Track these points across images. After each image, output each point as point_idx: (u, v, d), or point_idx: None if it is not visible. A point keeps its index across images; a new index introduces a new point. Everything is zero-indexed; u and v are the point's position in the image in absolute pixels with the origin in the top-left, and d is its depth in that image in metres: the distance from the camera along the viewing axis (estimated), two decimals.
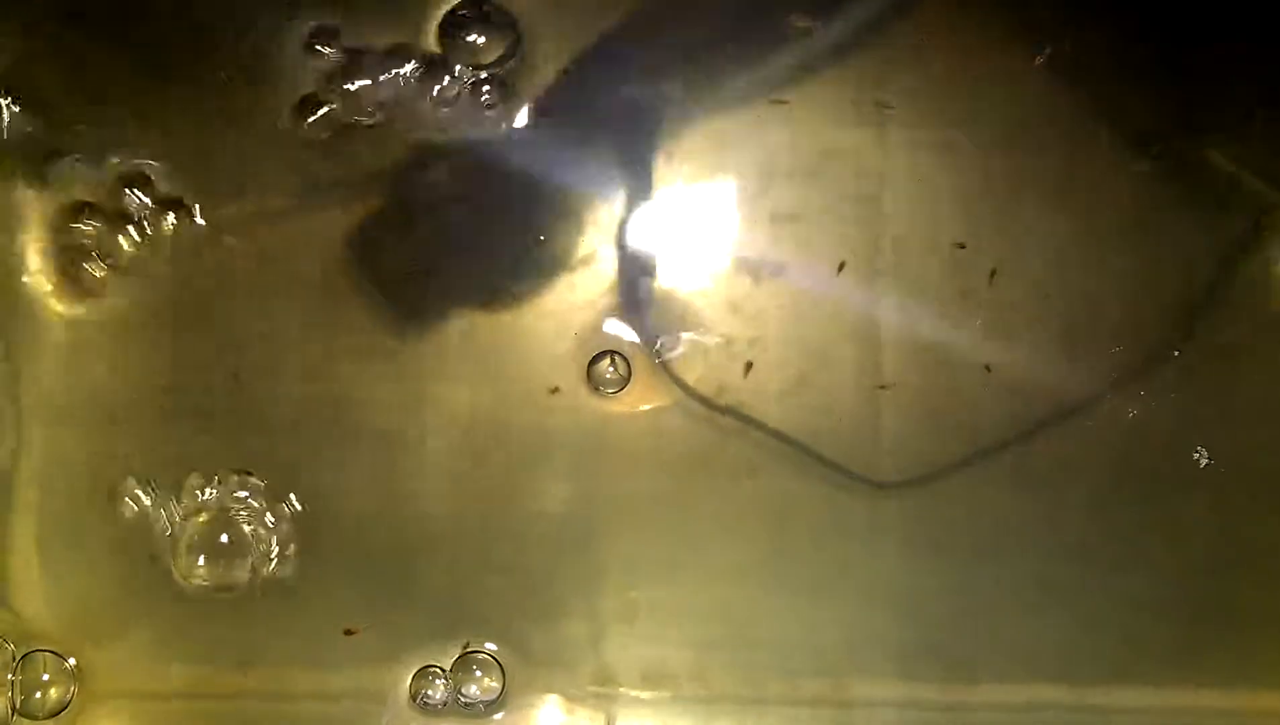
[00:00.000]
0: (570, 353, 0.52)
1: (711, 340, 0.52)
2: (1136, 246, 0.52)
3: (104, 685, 0.51)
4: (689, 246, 0.52)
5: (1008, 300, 0.52)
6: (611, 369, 0.52)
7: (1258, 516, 0.52)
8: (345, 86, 0.51)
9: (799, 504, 0.52)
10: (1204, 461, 0.52)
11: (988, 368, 0.52)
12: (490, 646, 0.51)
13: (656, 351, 0.52)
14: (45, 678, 0.50)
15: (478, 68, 0.50)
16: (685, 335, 0.52)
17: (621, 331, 0.52)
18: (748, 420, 0.52)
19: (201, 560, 0.51)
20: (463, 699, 0.51)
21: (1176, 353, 0.52)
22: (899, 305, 0.52)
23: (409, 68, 0.50)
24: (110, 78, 0.51)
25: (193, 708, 0.51)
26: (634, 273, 0.52)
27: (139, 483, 0.51)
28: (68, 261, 0.51)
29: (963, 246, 0.52)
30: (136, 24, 0.51)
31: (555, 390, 0.51)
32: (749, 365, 0.52)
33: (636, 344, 0.52)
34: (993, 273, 0.52)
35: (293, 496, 0.51)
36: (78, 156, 0.51)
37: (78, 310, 0.51)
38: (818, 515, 0.52)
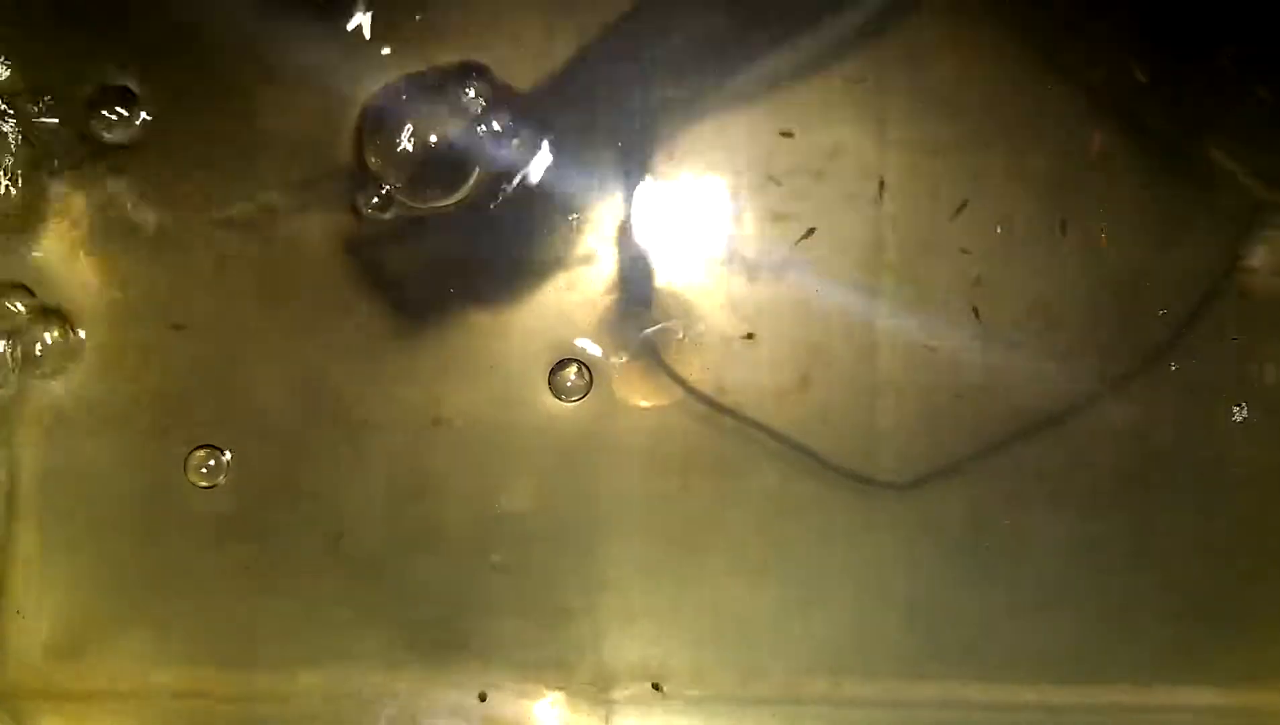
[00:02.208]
0: (569, 351, 0.52)
1: (711, 340, 0.52)
2: (1136, 245, 0.52)
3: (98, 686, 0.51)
4: (689, 246, 0.52)
5: (1007, 299, 0.52)
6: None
7: (1257, 519, 0.53)
8: None
9: (798, 504, 0.52)
10: (1236, 417, 0.52)
11: (986, 367, 0.52)
12: None
13: (657, 350, 0.52)
14: None
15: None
16: (685, 334, 0.52)
17: (621, 329, 0.52)
18: (747, 420, 0.52)
19: None
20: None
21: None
22: (898, 305, 0.52)
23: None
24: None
25: (191, 707, 0.52)
26: (634, 272, 0.52)
27: None
28: None
29: (962, 246, 0.52)
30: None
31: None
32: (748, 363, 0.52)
33: (638, 341, 0.52)
34: (992, 271, 0.52)
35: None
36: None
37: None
38: (817, 515, 0.52)
